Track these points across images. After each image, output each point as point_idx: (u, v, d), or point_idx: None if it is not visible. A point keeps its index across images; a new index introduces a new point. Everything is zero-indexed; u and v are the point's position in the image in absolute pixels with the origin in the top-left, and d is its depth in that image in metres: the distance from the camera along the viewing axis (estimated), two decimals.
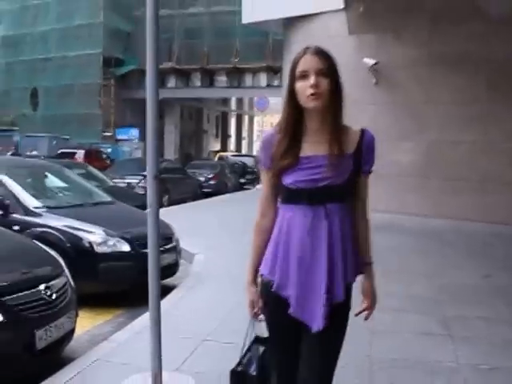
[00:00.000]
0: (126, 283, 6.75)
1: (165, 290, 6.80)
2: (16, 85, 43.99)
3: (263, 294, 2.67)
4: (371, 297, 2.70)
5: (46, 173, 8.58)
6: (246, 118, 69.19)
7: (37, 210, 6.99)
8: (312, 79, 2.48)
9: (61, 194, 8.35)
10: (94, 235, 6.65)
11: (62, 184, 8.58)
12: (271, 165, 2.63)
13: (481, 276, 7.79)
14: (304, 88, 2.50)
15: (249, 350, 2.81)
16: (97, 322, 6.15)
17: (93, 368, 4.49)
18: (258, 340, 2.82)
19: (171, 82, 44.79)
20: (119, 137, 41.80)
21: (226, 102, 58.94)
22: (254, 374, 2.74)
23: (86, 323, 5.83)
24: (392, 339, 5.18)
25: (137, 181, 16.51)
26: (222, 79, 42.86)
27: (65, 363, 4.64)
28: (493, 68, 12.40)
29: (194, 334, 5.21)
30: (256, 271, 2.70)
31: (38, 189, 8.12)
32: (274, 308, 2.65)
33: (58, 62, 43.37)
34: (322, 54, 2.56)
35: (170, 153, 45.07)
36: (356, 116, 11.48)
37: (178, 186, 18.91)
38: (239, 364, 2.78)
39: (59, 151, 27.23)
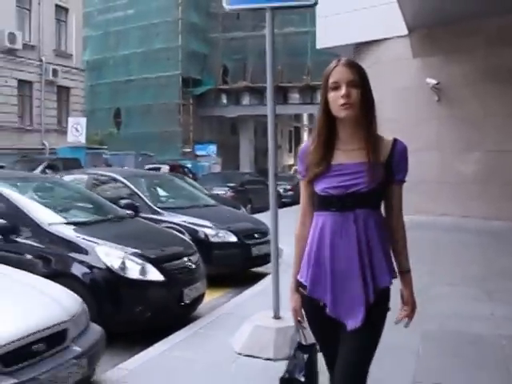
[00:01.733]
0: (233, 267, 8.57)
1: (260, 276, 8.57)
2: (100, 106, 46.48)
3: (302, 299, 2.77)
4: (411, 304, 2.75)
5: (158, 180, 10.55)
6: None
7: (160, 210, 8.85)
8: (343, 89, 2.56)
9: (174, 199, 10.23)
10: (208, 228, 8.47)
11: (174, 190, 10.50)
12: (307, 174, 2.73)
13: None
14: (336, 98, 2.58)
15: (294, 357, 2.86)
16: (213, 297, 7.85)
17: (220, 318, 6.28)
18: (301, 347, 2.87)
19: (246, 99, 46.76)
20: (198, 152, 43.57)
21: (298, 117, 60.37)
22: (303, 379, 2.77)
23: (205, 296, 7.57)
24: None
25: (223, 192, 18.49)
26: (295, 96, 44.35)
27: (198, 317, 6.44)
28: None
29: None
30: (297, 279, 2.78)
31: (154, 194, 10.00)
32: (311, 312, 2.77)
33: (140, 84, 45.77)
34: (353, 66, 2.64)
35: (246, 167, 46.83)
36: (421, 130, 13.67)
37: (260, 196, 20.47)
38: (286, 371, 2.83)
39: (146, 167, 29.30)
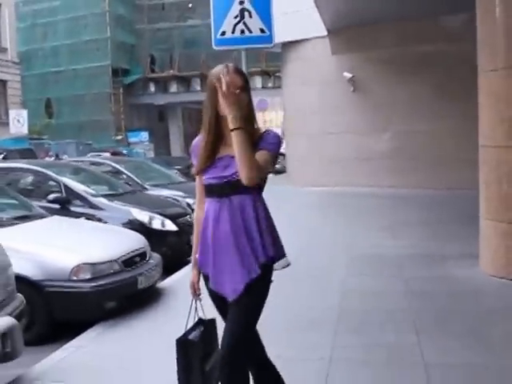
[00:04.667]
0: None
1: None
2: (30, 96, 47.01)
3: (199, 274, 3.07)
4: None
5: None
6: None
7: (147, 187, 11.34)
8: None
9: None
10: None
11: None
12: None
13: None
14: None
15: (192, 328, 3.07)
16: None
17: None
18: (200, 320, 3.13)
19: (173, 87, 48.95)
20: (131, 140, 45.37)
21: None
22: (196, 340, 3.00)
23: None
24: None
25: None
26: None
27: None
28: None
29: None
30: (195, 256, 3.08)
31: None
32: (205, 283, 3.05)
33: (69, 74, 46.91)
34: (240, 73, 2.89)
35: (177, 152, 48.93)
36: (339, 116, 17.34)
37: None
38: (183, 334, 3.03)
39: (89, 154, 31.12)
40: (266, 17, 7.40)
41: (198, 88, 47.75)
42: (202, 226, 2.97)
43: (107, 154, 31.74)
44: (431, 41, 16.35)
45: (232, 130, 2.75)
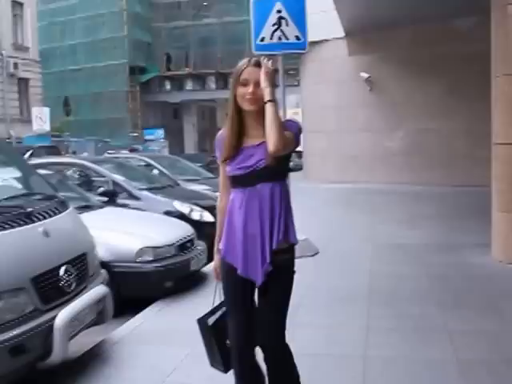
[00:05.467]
0: None
1: None
2: (48, 95, 47.75)
3: (221, 261, 3.20)
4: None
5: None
6: None
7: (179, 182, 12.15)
8: (251, 87, 2.94)
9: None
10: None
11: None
12: (221, 158, 3.11)
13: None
14: (244, 93, 2.96)
15: (214, 310, 3.31)
16: None
17: None
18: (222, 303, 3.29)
19: (188, 85, 49.69)
20: (147, 137, 45.61)
21: None
22: (211, 323, 3.26)
23: None
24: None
25: None
26: None
27: None
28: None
29: None
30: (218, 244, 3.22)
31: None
32: (223, 273, 3.18)
33: (87, 72, 47.74)
34: (260, 65, 2.98)
35: (190, 149, 49.84)
36: (356, 115, 18.31)
37: None
38: (205, 315, 3.31)
39: (106, 152, 31.74)
40: (301, 25, 8.16)
41: (213, 86, 48.44)
42: (228, 215, 3.09)
43: (125, 152, 32.57)
44: (444, 43, 17.15)
45: (266, 103, 2.92)
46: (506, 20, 7.63)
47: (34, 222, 4.31)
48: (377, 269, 7.67)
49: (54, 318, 4.04)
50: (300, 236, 8.30)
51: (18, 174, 5.38)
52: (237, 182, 3.06)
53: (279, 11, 8.10)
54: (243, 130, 3.06)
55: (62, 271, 4.32)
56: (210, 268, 8.10)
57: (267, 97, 2.92)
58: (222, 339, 3.24)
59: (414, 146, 18.47)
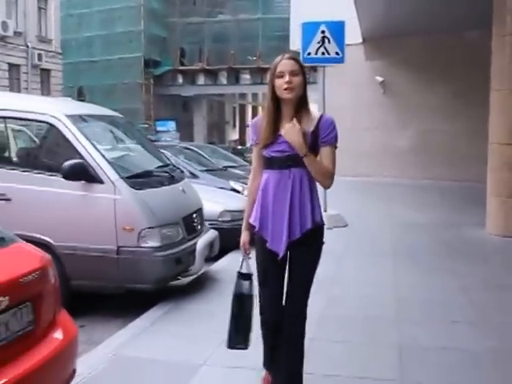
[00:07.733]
0: None
1: None
2: (64, 85, 48.65)
3: (252, 237, 3.48)
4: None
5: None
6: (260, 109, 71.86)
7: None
8: (287, 77, 3.22)
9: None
10: None
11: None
12: (258, 141, 3.40)
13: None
14: (281, 84, 3.23)
15: (238, 282, 3.53)
16: None
17: None
18: (241, 274, 3.53)
19: (201, 80, 50.75)
20: (159, 128, 46.49)
21: (244, 95, 62.30)
22: (250, 293, 3.52)
23: None
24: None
25: None
26: (245, 77, 47.74)
27: None
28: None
29: None
30: (248, 220, 3.50)
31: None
32: (257, 247, 3.45)
33: (102, 64, 48.47)
34: (294, 59, 3.31)
35: (200, 141, 50.31)
36: (370, 115, 20.56)
37: None
38: (236, 290, 3.54)
39: None
40: (341, 43, 10.21)
41: (225, 81, 48.84)
42: (262, 194, 3.36)
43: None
44: (453, 51, 18.88)
45: (302, 157, 3.24)
46: (503, 49, 9.73)
47: (176, 183, 6.39)
48: (396, 238, 9.78)
49: (194, 244, 6.11)
50: (333, 211, 10.42)
51: (152, 150, 7.38)
52: (272, 163, 3.36)
53: (323, 32, 10.15)
54: (280, 116, 3.35)
55: (194, 216, 6.38)
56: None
57: (301, 154, 3.26)
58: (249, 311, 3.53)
59: (422, 145, 20.26)
